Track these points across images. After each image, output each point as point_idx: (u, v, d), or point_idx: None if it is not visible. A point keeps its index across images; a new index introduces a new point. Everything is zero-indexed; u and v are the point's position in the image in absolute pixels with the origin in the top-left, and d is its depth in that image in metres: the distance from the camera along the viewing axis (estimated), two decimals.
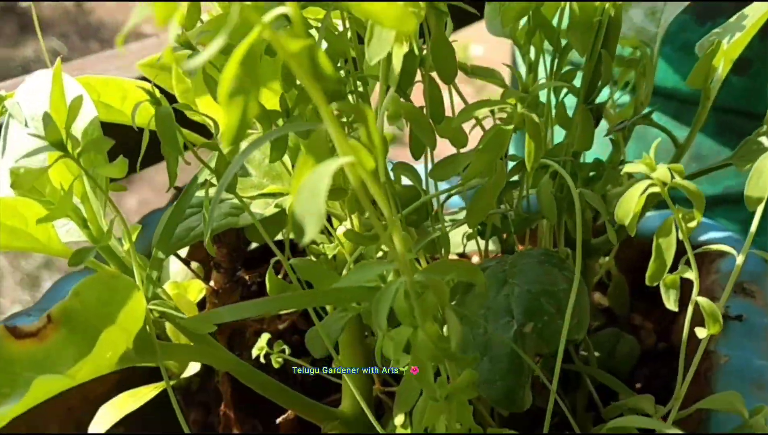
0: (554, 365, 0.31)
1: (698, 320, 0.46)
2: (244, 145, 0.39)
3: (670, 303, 0.28)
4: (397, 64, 0.25)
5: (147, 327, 0.28)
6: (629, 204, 0.24)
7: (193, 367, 0.41)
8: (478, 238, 0.40)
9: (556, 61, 0.36)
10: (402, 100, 0.27)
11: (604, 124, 0.42)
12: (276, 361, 0.41)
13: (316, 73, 0.19)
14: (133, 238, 0.29)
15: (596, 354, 0.44)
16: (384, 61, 0.26)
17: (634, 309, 0.54)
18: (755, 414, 0.32)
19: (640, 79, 0.42)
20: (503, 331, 0.31)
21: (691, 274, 0.27)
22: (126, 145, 0.33)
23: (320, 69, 0.19)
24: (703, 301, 0.27)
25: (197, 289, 0.42)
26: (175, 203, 0.32)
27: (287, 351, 0.40)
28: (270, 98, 0.31)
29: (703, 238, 0.51)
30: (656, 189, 0.24)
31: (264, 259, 0.44)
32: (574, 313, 0.31)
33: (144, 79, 0.43)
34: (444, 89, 0.33)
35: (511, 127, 0.27)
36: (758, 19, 0.37)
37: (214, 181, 0.34)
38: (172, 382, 0.42)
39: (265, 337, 0.40)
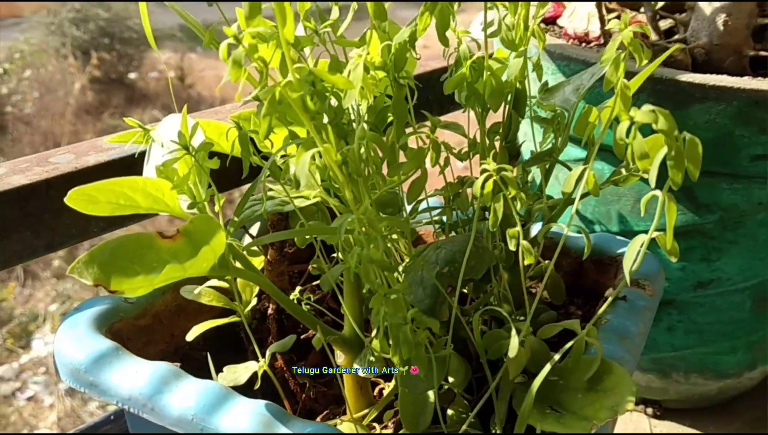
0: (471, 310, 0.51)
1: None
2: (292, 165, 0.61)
3: (512, 245, 0.48)
4: (363, 111, 0.47)
5: (225, 254, 0.50)
6: (477, 186, 0.45)
7: (252, 303, 0.63)
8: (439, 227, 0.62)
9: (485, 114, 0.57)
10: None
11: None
12: (305, 306, 0.63)
13: (307, 111, 0.41)
14: (221, 203, 0.51)
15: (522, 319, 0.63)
16: (357, 108, 0.48)
17: (572, 303, 0.73)
18: (588, 331, 0.51)
19: (557, 133, 0.63)
20: (430, 271, 0.52)
21: (522, 243, 0.47)
22: (221, 168, 0.56)
23: (309, 108, 0.41)
24: (524, 243, 0.47)
25: (259, 261, 0.65)
26: (245, 193, 0.55)
27: (312, 298, 0.62)
28: (301, 131, 0.54)
29: (617, 250, 0.71)
30: (491, 179, 0.44)
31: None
32: (473, 263, 0.51)
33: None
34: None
35: (427, 147, 0.49)
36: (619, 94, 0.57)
37: (269, 181, 0.56)
38: (239, 319, 0.64)
39: (299, 287, 0.62)
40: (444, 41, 0.49)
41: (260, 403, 0.50)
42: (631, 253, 0.43)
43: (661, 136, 0.35)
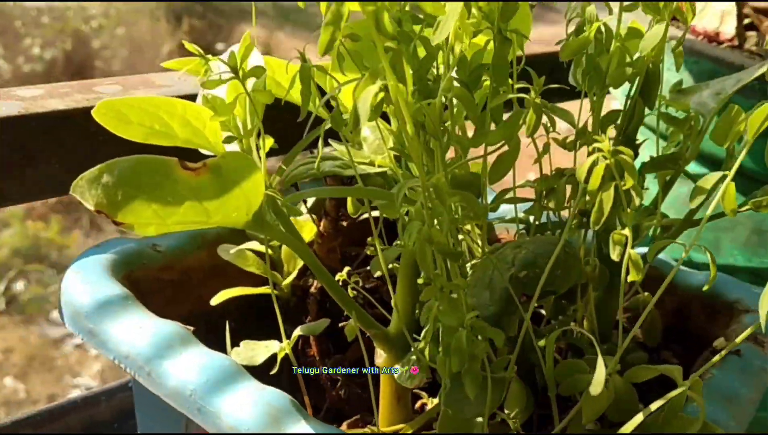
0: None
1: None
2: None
3: (615, 254, 0.37)
4: (454, 59, 0.38)
5: (263, 207, 0.41)
6: (584, 170, 0.35)
7: (293, 275, 0.54)
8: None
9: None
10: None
11: None
12: (351, 291, 0.53)
13: (381, 31, 0.32)
14: (267, 144, 0.43)
15: None
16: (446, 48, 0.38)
17: (668, 348, 0.61)
18: (692, 384, 0.40)
19: (686, 140, 0.52)
20: (503, 273, 0.42)
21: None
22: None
23: (385, 30, 0.32)
24: (632, 252, 0.36)
25: (309, 230, 0.56)
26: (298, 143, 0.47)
27: (360, 283, 0.53)
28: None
29: (735, 295, 0.58)
30: (606, 160, 0.34)
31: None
32: (559, 272, 0.41)
33: None
34: None
35: (524, 110, 0.39)
36: None
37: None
38: (275, 292, 0.56)
39: (347, 268, 0.53)
40: None
41: (272, 392, 0.42)
42: None
43: None
